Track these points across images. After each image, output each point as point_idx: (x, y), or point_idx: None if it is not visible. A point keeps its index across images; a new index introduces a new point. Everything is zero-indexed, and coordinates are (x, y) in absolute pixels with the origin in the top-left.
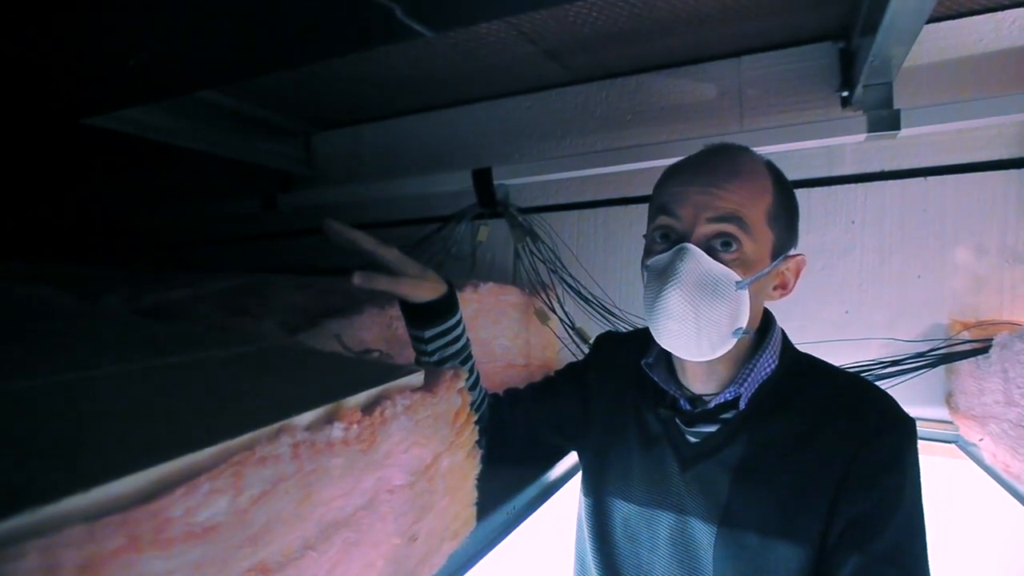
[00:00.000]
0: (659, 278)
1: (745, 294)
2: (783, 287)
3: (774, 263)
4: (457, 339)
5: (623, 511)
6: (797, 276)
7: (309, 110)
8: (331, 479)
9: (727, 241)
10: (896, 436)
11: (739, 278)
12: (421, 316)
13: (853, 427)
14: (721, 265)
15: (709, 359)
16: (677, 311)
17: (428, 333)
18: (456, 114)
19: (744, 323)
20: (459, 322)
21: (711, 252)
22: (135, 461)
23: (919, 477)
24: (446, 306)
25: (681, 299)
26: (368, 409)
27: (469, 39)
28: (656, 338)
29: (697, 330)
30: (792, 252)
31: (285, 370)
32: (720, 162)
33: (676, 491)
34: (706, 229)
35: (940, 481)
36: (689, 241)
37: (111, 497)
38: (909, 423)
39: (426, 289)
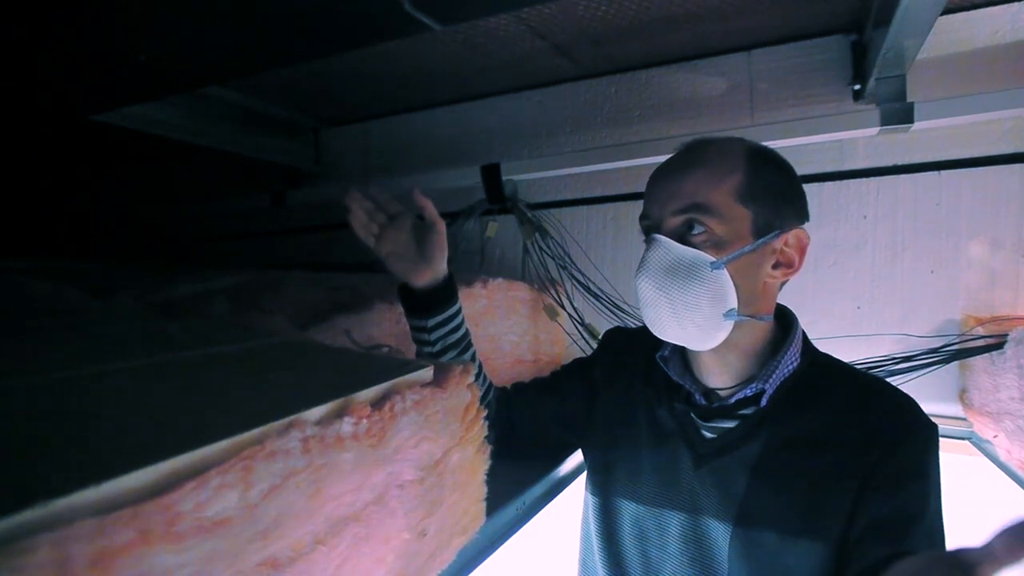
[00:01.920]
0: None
1: (723, 274)
2: (787, 265)
3: (762, 240)
4: (459, 327)
5: (632, 509)
6: (802, 252)
7: (318, 106)
8: (341, 474)
9: (693, 225)
10: (920, 441)
11: (712, 259)
12: (423, 305)
13: (877, 431)
14: (691, 249)
15: (710, 346)
16: (649, 298)
17: (431, 322)
18: (464, 110)
19: (733, 304)
20: (460, 309)
21: (682, 239)
22: (145, 455)
23: (940, 482)
24: (447, 293)
25: (649, 285)
26: (378, 404)
27: (477, 34)
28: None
29: (674, 314)
30: (788, 228)
31: (295, 365)
32: (684, 157)
33: (688, 488)
34: (672, 221)
35: (954, 478)
36: (660, 233)
37: (122, 491)
38: (932, 428)
39: (426, 274)
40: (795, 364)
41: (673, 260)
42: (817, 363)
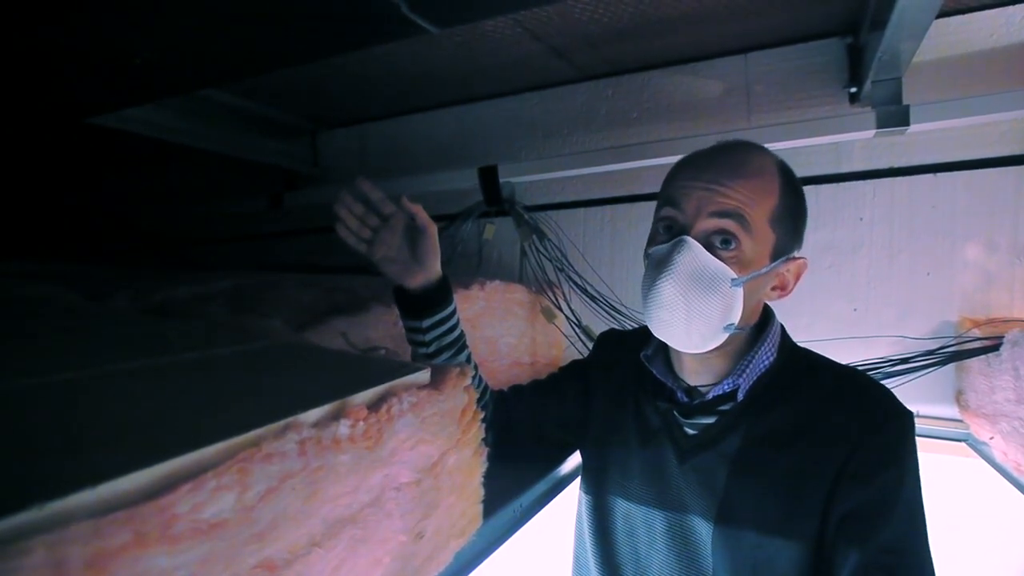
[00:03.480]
0: (656, 268)
1: (739, 292)
2: (782, 288)
3: (773, 264)
4: (454, 328)
5: (623, 508)
6: (797, 279)
7: (315, 108)
8: (337, 476)
9: (727, 239)
10: (895, 429)
11: (735, 276)
12: (419, 306)
13: (852, 420)
14: (718, 261)
15: (701, 352)
16: (668, 301)
17: (427, 323)
18: (462, 112)
19: (736, 319)
20: (455, 310)
21: (710, 248)
22: (141, 458)
23: (918, 469)
24: (442, 294)
25: (673, 289)
26: (374, 406)
27: (475, 36)
28: (649, 326)
29: (687, 321)
30: (795, 255)
31: (292, 367)
32: (728, 158)
33: (675, 485)
34: (707, 224)
35: (950, 480)
36: (689, 234)
37: (117, 493)
38: (907, 416)
39: (420, 276)
40: (771, 359)
41: (699, 268)
42: (795, 358)
